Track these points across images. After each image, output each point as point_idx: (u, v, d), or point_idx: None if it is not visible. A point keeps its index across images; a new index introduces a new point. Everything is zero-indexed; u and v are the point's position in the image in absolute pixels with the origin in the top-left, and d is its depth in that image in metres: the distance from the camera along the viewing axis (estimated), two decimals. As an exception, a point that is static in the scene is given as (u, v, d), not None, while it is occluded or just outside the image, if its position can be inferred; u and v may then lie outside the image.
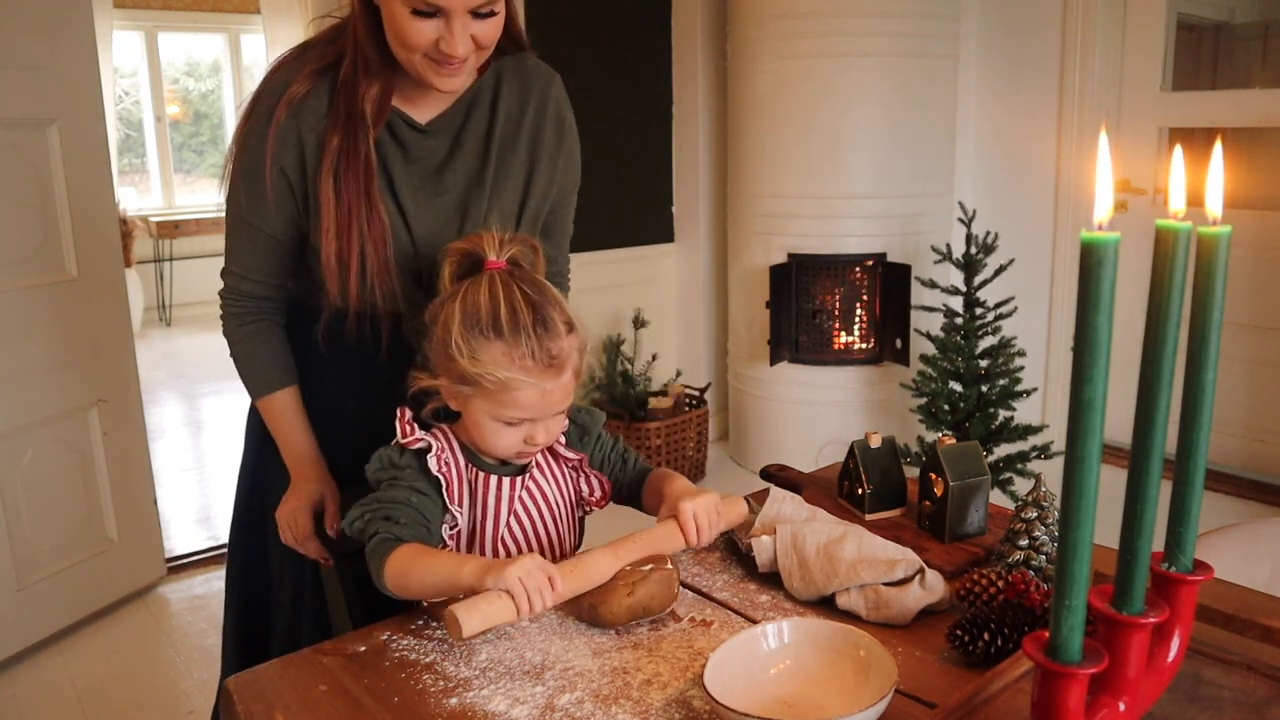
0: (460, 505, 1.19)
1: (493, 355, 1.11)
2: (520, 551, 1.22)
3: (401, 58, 1.23)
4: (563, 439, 1.25)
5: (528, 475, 1.23)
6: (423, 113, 1.32)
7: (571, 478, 1.28)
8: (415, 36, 1.18)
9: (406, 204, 1.30)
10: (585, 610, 1.07)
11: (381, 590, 1.10)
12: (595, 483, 1.28)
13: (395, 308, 1.31)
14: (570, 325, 1.16)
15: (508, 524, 1.21)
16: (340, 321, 1.32)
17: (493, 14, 1.20)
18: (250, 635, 1.50)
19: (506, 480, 1.21)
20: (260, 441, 1.43)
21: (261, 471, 1.46)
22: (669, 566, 1.08)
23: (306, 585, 1.43)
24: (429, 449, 1.17)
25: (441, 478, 1.17)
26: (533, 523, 1.23)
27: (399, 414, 1.18)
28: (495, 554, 1.21)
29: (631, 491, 1.30)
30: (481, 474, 1.20)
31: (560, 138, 1.41)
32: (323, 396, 1.40)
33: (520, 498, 1.22)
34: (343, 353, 1.36)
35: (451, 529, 1.19)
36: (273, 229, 1.30)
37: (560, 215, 1.47)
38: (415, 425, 1.18)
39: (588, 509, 1.31)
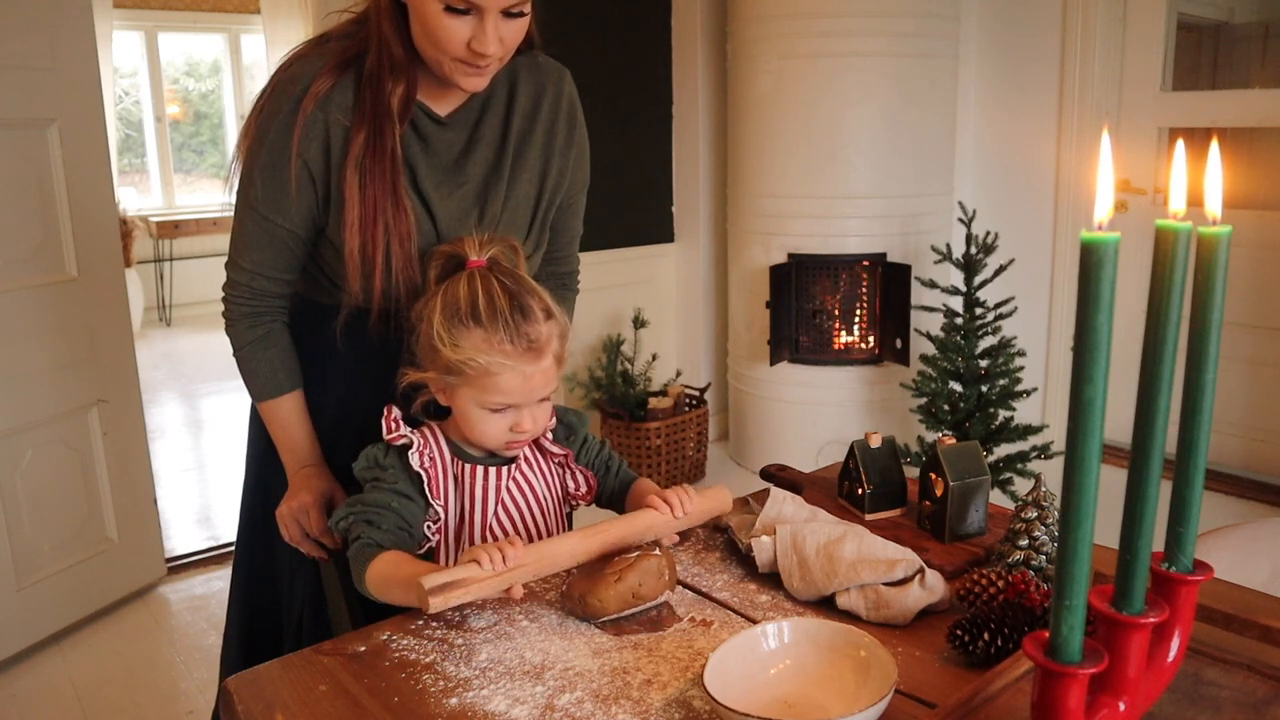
0: (443, 500, 1.21)
1: (473, 341, 1.15)
2: None
3: (430, 58, 1.22)
4: (549, 435, 1.28)
5: (514, 467, 1.25)
6: (441, 106, 1.33)
7: (558, 473, 1.30)
8: (447, 35, 1.18)
9: (430, 196, 1.30)
10: (576, 602, 1.08)
11: (363, 593, 1.13)
12: (581, 478, 1.31)
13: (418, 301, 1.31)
14: (549, 312, 1.20)
15: (495, 514, 1.23)
16: (362, 319, 1.32)
17: (522, 14, 1.21)
18: (256, 636, 1.50)
19: (493, 470, 1.23)
20: (266, 441, 1.43)
21: (267, 471, 1.45)
22: (657, 553, 1.09)
23: (312, 585, 1.43)
24: (411, 445, 1.19)
25: (424, 473, 1.19)
26: (520, 513, 1.25)
27: (385, 411, 1.20)
28: (483, 543, 1.22)
29: (615, 498, 1.33)
30: (467, 466, 1.22)
31: (572, 133, 1.42)
32: (335, 395, 1.40)
33: (507, 488, 1.24)
34: (365, 350, 1.35)
35: (435, 524, 1.22)
36: (290, 223, 1.29)
37: (570, 214, 1.48)
38: (400, 422, 1.21)
39: (574, 504, 1.34)
